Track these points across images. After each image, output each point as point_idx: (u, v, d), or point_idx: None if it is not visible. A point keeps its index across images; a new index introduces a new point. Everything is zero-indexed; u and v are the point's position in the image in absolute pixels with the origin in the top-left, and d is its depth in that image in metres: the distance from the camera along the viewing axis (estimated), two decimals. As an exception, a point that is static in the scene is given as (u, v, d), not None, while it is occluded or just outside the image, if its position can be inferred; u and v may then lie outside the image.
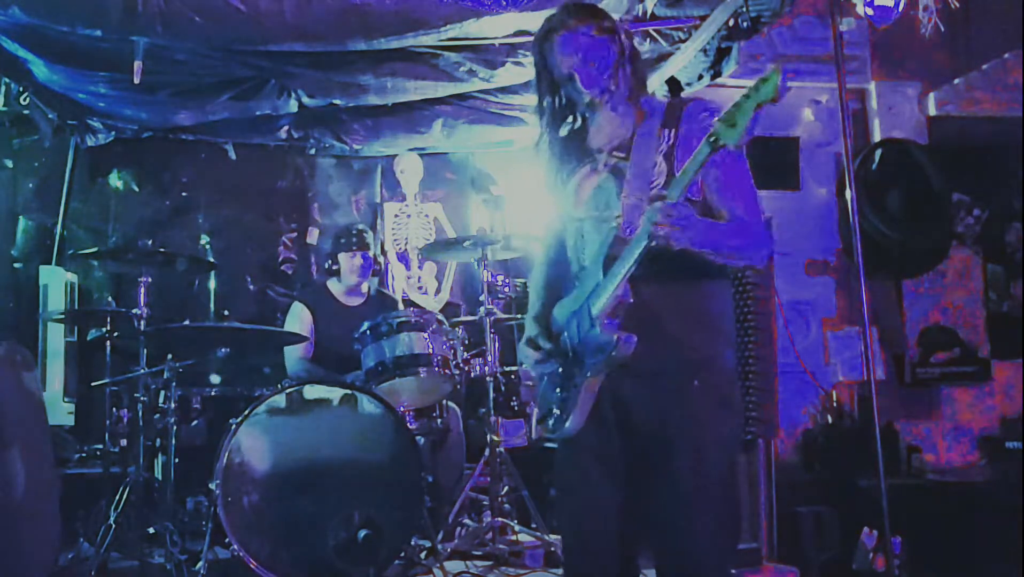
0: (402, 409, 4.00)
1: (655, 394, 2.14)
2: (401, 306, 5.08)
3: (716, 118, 1.94)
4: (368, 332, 4.09)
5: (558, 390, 2.27)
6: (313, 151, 5.71)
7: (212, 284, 5.08)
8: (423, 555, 3.95)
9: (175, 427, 3.88)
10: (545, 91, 2.32)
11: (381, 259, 5.49)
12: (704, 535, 2.11)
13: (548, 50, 2.26)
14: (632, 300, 2.09)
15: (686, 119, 2.19)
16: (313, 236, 5.76)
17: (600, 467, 2.21)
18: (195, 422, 4.33)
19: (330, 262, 4.78)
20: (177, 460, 3.88)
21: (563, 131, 2.36)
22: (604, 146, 2.28)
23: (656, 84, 4.87)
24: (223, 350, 4.60)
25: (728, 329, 2.23)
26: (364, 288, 4.81)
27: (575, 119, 2.36)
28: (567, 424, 2.19)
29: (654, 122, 2.22)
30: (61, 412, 4.91)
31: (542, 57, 2.29)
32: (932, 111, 6.00)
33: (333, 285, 4.79)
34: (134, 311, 4.01)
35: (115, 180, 5.59)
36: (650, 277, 2.08)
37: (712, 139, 1.93)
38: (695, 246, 2.02)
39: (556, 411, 2.24)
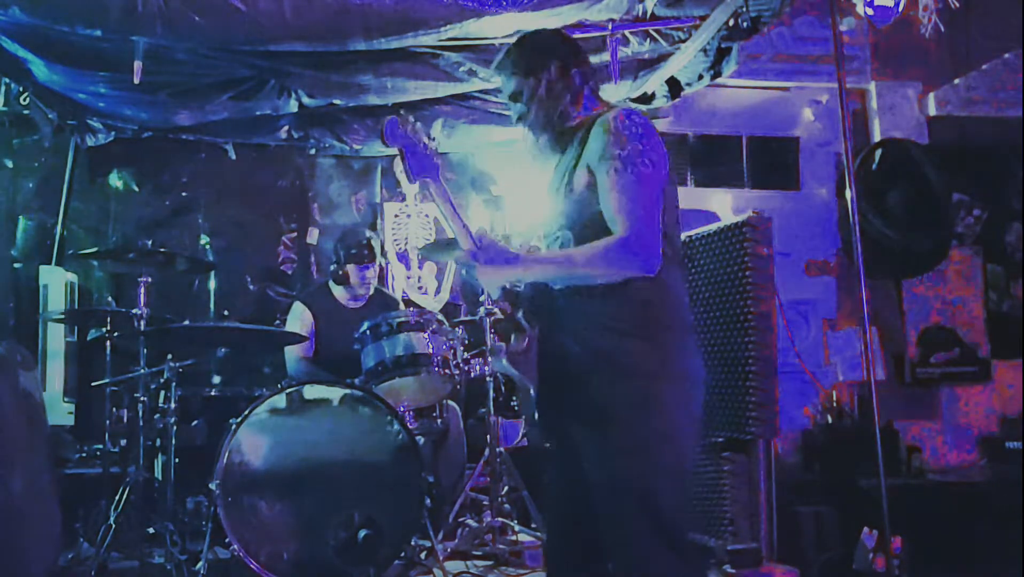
0: (402, 409, 4.00)
1: (567, 395, 2.22)
2: (402, 306, 5.07)
3: None
4: (368, 332, 4.08)
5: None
6: (313, 151, 5.71)
7: (212, 284, 5.08)
8: (423, 555, 3.95)
9: (175, 427, 3.87)
10: None
11: (383, 261, 5.47)
12: (617, 537, 2.15)
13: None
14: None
15: (592, 139, 2.24)
16: (313, 236, 5.76)
17: (553, 468, 2.35)
18: (195, 422, 4.33)
19: (336, 267, 4.66)
20: (177, 460, 3.87)
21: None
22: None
23: (656, 84, 4.87)
24: (223, 350, 4.61)
25: (626, 327, 2.17)
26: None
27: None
28: (535, 431, 2.35)
29: (571, 143, 2.32)
30: (61, 412, 4.91)
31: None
32: (932, 111, 6.00)
33: (335, 287, 4.77)
34: (134, 311, 4.00)
35: (115, 180, 5.59)
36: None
37: None
38: (507, 285, 2.26)
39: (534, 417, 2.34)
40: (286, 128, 5.36)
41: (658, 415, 2.13)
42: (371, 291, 4.76)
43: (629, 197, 2.11)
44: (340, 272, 4.64)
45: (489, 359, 4.23)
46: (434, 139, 2.31)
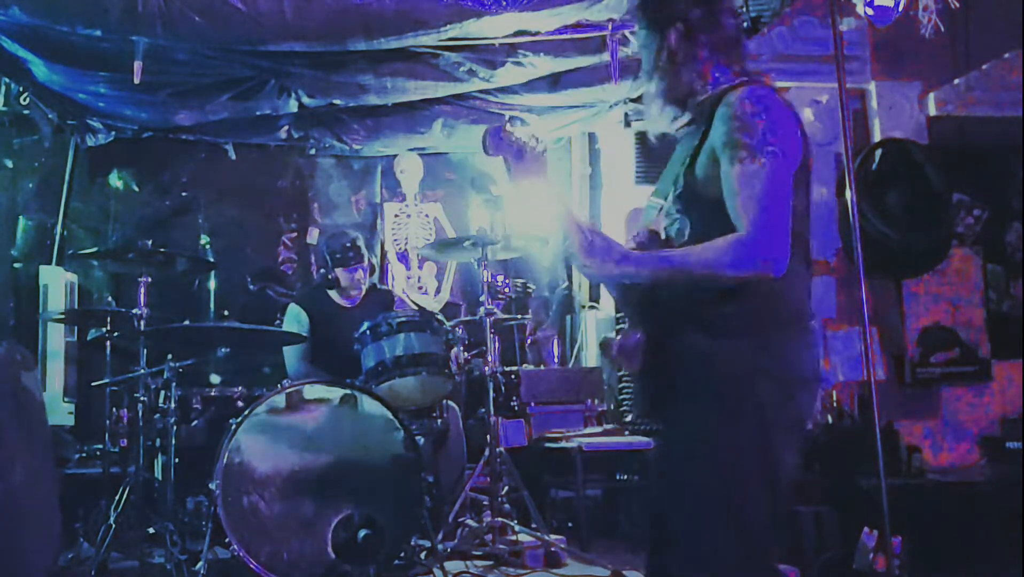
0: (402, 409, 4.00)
1: (663, 393, 2.07)
2: (399, 293, 5.05)
3: None
4: (368, 332, 4.08)
5: None
6: (313, 151, 5.72)
7: (212, 284, 5.07)
8: (423, 555, 3.95)
9: (175, 427, 3.87)
10: None
11: (375, 261, 5.45)
12: (688, 543, 1.99)
13: None
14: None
15: (717, 120, 2.01)
16: (313, 236, 5.76)
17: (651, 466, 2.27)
18: (195, 422, 4.32)
19: (325, 272, 4.65)
20: (177, 460, 3.87)
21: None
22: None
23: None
24: (223, 350, 4.61)
25: (729, 326, 1.98)
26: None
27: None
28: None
29: (698, 118, 2.10)
30: (61, 412, 4.91)
31: None
32: (932, 111, 6.00)
33: (328, 289, 4.74)
34: (134, 311, 4.01)
35: (115, 180, 5.59)
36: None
37: None
38: (605, 280, 2.08)
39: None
40: (286, 128, 5.37)
41: (751, 422, 1.96)
42: (363, 290, 4.75)
43: (754, 191, 1.89)
44: (330, 276, 4.63)
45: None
46: (540, 140, 2.10)
